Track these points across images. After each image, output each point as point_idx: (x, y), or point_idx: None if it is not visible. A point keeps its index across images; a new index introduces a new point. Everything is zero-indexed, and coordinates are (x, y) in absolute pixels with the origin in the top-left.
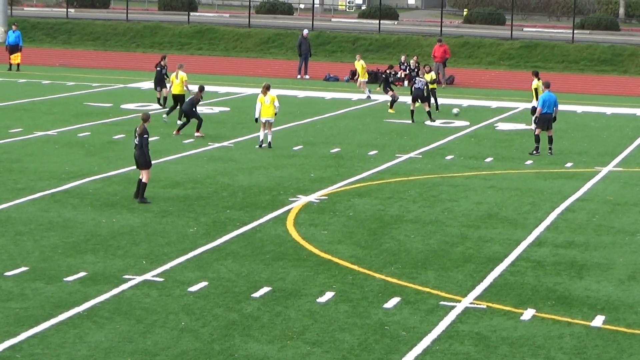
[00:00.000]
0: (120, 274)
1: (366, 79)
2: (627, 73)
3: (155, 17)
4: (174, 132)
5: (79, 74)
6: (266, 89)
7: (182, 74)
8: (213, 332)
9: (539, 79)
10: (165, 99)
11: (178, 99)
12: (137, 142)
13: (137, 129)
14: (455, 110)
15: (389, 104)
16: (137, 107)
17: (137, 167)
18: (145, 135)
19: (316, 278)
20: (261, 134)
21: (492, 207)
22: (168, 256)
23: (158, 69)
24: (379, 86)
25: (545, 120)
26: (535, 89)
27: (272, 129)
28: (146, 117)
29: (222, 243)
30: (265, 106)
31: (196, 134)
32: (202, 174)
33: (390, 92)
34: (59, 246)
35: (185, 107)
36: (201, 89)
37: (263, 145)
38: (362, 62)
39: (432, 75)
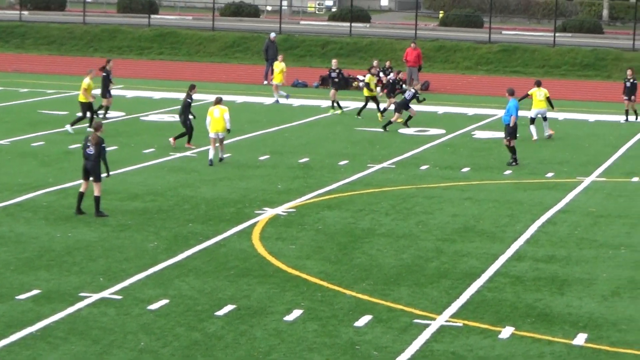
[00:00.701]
0: (76, 291)
1: (280, 83)
2: (610, 78)
3: (114, 20)
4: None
5: (33, 80)
6: (217, 102)
7: (86, 81)
8: (174, 352)
9: (539, 87)
10: (107, 108)
11: (85, 107)
12: (91, 153)
13: (90, 139)
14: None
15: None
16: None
17: (89, 179)
18: (104, 145)
19: (283, 295)
20: (211, 150)
21: (468, 219)
22: (127, 272)
23: (104, 74)
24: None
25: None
26: (548, 98)
27: (225, 142)
28: (98, 126)
29: (184, 258)
30: (215, 120)
31: (171, 140)
32: (163, 186)
33: (391, 99)
34: (11, 262)
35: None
36: (192, 87)
37: (212, 163)
38: (283, 64)
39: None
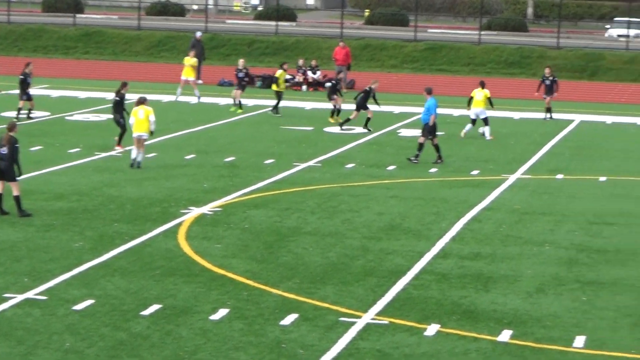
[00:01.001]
0: (0, 292)
1: (193, 78)
2: (535, 76)
3: (39, 19)
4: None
5: None
6: (141, 102)
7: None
8: (100, 353)
9: (482, 88)
10: (30, 109)
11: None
12: (4, 153)
13: (3, 139)
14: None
15: (330, 112)
16: (20, 116)
17: (5, 179)
18: (17, 145)
19: (209, 294)
20: (134, 151)
21: (394, 217)
22: (52, 273)
23: (21, 77)
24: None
25: (428, 128)
26: (489, 98)
27: (151, 141)
28: (12, 126)
29: (110, 258)
30: (140, 121)
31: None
32: (88, 186)
33: (334, 101)
34: None
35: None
36: (123, 85)
37: (134, 165)
38: (194, 60)
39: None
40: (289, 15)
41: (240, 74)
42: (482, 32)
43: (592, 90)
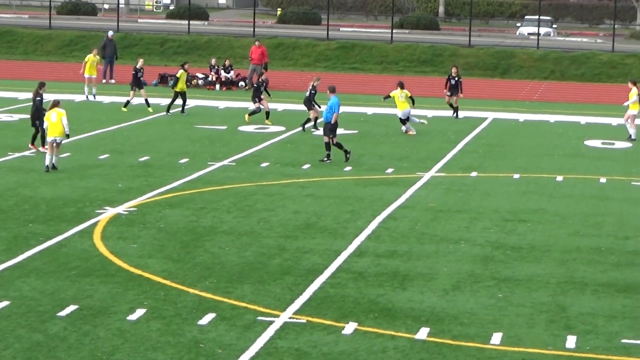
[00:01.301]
0: None
1: (94, 76)
2: (447, 74)
3: None
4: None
5: None
6: (54, 105)
7: None
8: (16, 354)
9: (402, 89)
10: None
11: None
12: None
13: None
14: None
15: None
16: None
17: None
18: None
19: (126, 294)
20: (47, 155)
21: (310, 216)
22: None
23: None
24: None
25: (330, 126)
26: (411, 97)
27: (65, 141)
28: None
29: (25, 259)
30: (53, 124)
31: (38, 148)
32: (2, 186)
33: (257, 104)
34: None
35: (31, 113)
36: (41, 85)
37: (49, 169)
38: (95, 57)
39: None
40: (201, 14)
41: (139, 74)
42: (394, 31)
43: (504, 88)
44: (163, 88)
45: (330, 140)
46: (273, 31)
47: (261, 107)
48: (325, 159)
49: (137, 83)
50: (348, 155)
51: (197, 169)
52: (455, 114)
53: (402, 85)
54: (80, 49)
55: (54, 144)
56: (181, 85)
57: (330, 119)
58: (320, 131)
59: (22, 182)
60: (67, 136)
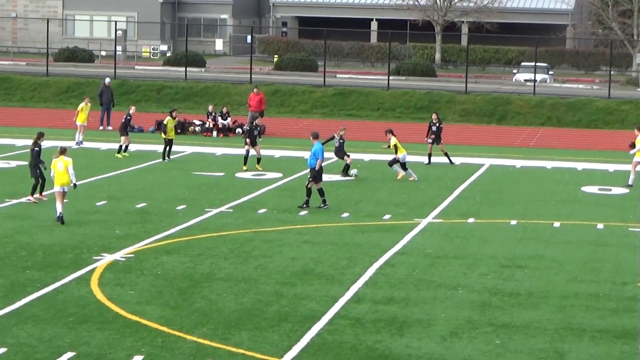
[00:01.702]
0: None
1: (84, 123)
2: (444, 120)
3: None
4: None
5: None
6: (60, 152)
7: None
8: None
9: (394, 135)
10: None
11: None
12: None
13: None
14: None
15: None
16: None
17: None
18: None
19: (123, 341)
20: (58, 205)
21: (307, 262)
22: None
23: None
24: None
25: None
26: (395, 145)
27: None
28: None
29: (22, 306)
30: (59, 173)
31: (40, 197)
32: None
33: (250, 147)
34: None
35: (30, 163)
36: (40, 135)
37: (60, 220)
38: (87, 105)
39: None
40: (197, 60)
41: (129, 119)
42: (391, 77)
43: (501, 135)
44: (160, 135)
45: (312, 184)
46: (270, 78)
47: (252, 151)
48: (322, 205)
49: (126, 128)
50: (325, 205)
51: (195, 215)
52: (449, 161)
53: (392, 132)
54: (77, 95)
55: (63, 194)
56: (170, 133)
57: (314, 165)
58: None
59: (19, 228)
60: (75, 186)
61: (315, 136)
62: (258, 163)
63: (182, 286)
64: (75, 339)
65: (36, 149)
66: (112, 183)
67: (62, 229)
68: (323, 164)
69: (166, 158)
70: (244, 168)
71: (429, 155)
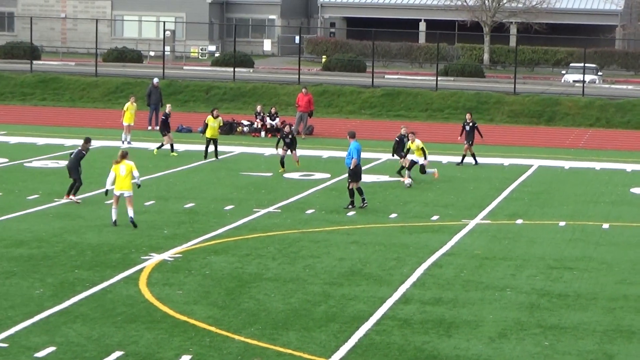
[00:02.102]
0: None
1: (131, 123)
2: (493, 121)
3: None
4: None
5: None
6: (122, 156)
7: None
8: None
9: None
10: None
11: None
12: None
13: None
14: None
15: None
16: None
17: None
18: None
19: (171, 341)
20: (114, 211)
21: (355, 263)
22: (12, 320)
23: None
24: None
25: (350, 172)
26: (422, 148)
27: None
28: None
29: (71, 305)
30: (121, 178)
31: (70, 198)
32: (48, 232)
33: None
34: None
35: (70, 164)
36: (87, 140)
37: (116, 224)
38: (134, 105)
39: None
40: (246, 61)
41: (168, 119)
42: (439, 78)
43: (550, 136)
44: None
45: (350, 185)
46: (318, 78)
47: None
48: (363, 204)
49: (167, 127)
50: (364, 204)
51: (243, 215)
52: (474, 161)
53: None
54: (125, 96)
55: (126, 198)
56: (211, 132)
57: (350, 164)
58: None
59: (68, 228)
60: (138, 186)
61: (352, 135)
62: (283, 166)
63: (230, 286)
64: (123, 338)
65: (83, 152)
66: (160, 183)
67: (111, 229)
68: (362, 166)
69: (214, 157)
70: (281, 170)
71: (473, 156)
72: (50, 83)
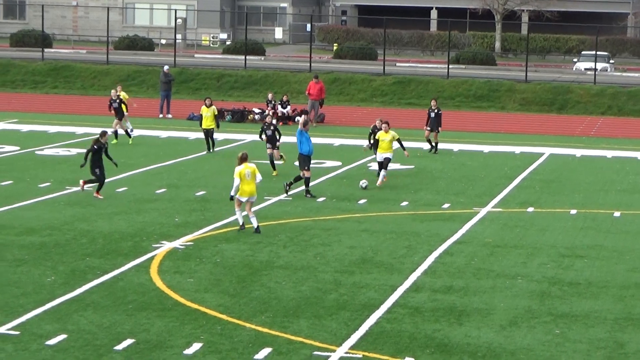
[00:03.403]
0: None
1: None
2: (504, 109)
3: (7, 53)
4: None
5: None
6: (242, 159)
7: None
8: None
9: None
10: None
11: None
12: None
13: None
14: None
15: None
16: None
17: None
18: None
19: (182, 328)
20: (240, 214)
21: (366, 251)
22: (24, 308)
23: None
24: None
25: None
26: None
27: (121, 176)
28: None
29: (82, 293)
30: (248, 182)
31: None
32: (59, 220)
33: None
34: None
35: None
36: (103, 133)
37: (243, 229)
38: (123, 93)
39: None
40: (257, 49)
41: (114, 104)
42: (451, 66)
43: (561, 124)
44: (220, 123)
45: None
46: (329, 66)
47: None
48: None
49: (117, 112)
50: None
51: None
52: (434, 149)
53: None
54: (137, 84)
55: (248, 203)
56: (206, 122)
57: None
58: (376, 165)
59: (79, 216)
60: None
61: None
62: (274, 168)
63: (241, 274)
64: (134, 326)
65: (95, 147)
66: (171, 171)
67: (122, 217)
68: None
69: (211, 149)
70: (274, 173)
71: (435, 144)
72: (62, 71)
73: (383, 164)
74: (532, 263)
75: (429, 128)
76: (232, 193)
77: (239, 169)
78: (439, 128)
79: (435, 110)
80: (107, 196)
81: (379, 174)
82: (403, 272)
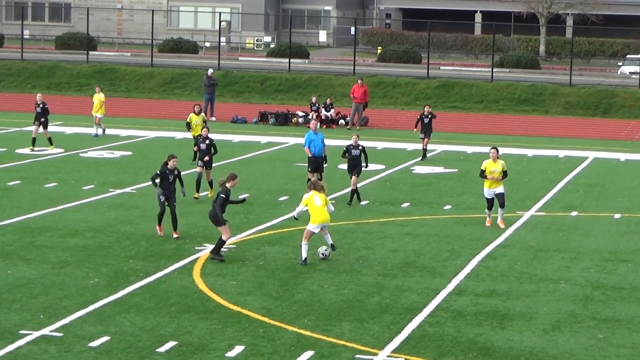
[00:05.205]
0: (16, 329)
1: (102, 115)
2: (548, 113)
3: (52, 56)
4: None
5: None
6: (314, 187)
7: None
8: None
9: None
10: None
11: None
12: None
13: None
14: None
15: None
16: (33, 152)
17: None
18: (222, 195)
19: (225, 331)
20: (306, 249)
21: (409, 254)
22: (67, 309)
23: None
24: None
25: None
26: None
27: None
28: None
29: (125, 295)
30: (317, 208)
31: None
32: (103, 222)
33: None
34: None
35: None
36: (170, 157)
37: (305, 263)
38: (101, 95)
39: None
40: (301, 52)
41: (38, 109)
42: (495, 69)
43: (605, 128)
44: (263, 126)
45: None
46: (373, 69)
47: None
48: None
49: (37, 117)
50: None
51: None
52: (422, 157)
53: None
54: (181, 86)
55: (322, 228)
56: (197, 130)
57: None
58: (419, 168)
59: (122, 218)
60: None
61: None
62: (211, 187)
63: (284, 277)
64: (177, 328)
65: (167, 172)
66: (215, 173)
67: (165, 219)
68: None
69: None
70: (196, 195)
71: (424, 151)
72: (106, 74)
73: (499, 201)
74: (575, 267)
75: (422, 135)
76: (295, 214)
77: (307, 197)
78: (430, 134)
79: (429, 116)
80: (151, 198)
81: (488, 214)
82: (446, 275)
